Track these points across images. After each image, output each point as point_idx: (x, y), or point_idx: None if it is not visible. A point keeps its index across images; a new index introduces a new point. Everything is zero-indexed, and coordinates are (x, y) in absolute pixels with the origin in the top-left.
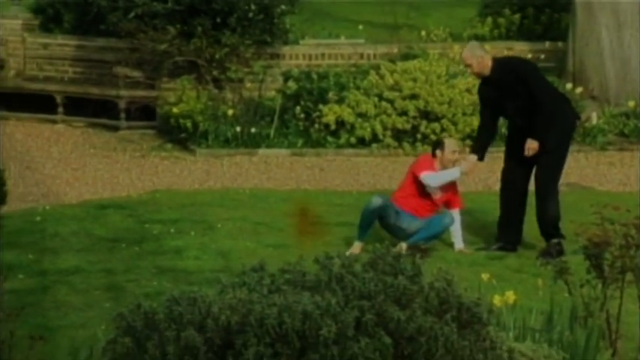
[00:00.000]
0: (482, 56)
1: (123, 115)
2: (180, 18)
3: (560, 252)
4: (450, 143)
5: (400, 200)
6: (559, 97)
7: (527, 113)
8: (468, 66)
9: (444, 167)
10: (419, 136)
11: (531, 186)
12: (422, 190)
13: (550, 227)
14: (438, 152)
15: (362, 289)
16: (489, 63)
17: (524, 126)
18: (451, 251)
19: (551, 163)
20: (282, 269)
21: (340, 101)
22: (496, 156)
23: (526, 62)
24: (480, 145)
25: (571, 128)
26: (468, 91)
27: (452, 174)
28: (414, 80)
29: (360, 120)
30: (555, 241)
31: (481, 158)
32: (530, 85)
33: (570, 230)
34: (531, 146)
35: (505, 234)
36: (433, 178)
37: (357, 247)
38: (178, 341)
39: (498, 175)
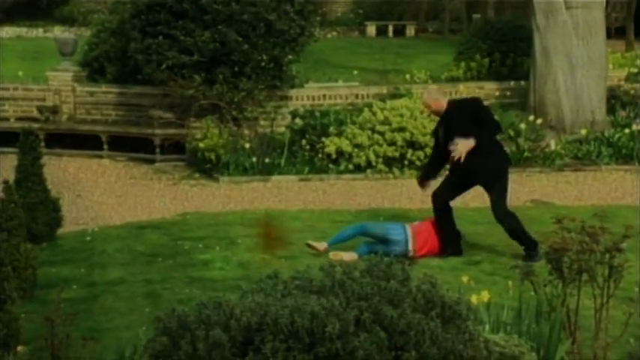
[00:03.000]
0: (439, 99)
1: (158, 150)
2: (204, 68)
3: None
4: None
5: None
6: (496, 139)
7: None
8: (427, 107)
9: None
10: (406, 162)
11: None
12: None
13: (516, 237)
14: None
15: (360, 292)
16: (444, 104)
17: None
18: (434, 259)
19: (499, 192)
20: (293, 277)
21: (339, 134)
22: None
23: (476, 99)
24: (426, 173)
25: (506, 166)
26: None
27: None
28: (401, 115)
29: (356, 150)
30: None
31: (425, 179)
32: (481, 114)
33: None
34: (460, 148)
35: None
36: None
37: None
38: (207, 339)
39: (473, 191)
